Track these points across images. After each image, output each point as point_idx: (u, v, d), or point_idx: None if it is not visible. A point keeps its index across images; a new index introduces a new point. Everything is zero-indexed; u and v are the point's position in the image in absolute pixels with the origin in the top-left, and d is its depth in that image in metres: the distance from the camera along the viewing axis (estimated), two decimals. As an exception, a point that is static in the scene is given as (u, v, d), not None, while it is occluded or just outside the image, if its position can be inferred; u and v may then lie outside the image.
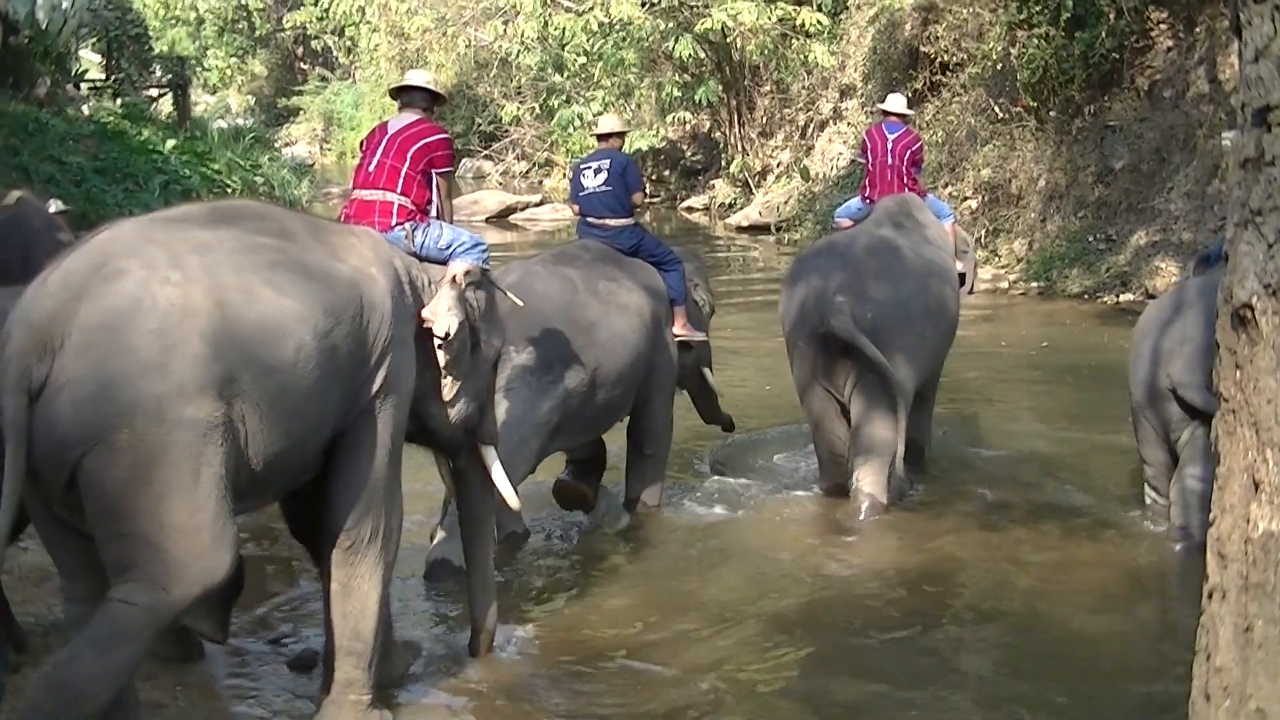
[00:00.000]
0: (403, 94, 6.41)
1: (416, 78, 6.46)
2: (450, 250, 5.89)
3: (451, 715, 5.61)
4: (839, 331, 7.88)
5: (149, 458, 4.34)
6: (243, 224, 4.89)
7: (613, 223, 8.14)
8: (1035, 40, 16.88)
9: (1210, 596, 2.84)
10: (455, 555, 6.62)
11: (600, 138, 8.52)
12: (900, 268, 8.27)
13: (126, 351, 4.32)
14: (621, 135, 8.58)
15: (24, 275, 7.75)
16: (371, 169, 6.07)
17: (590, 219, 8.21)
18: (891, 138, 9.35)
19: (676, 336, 8.19)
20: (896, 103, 9.70)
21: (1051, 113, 17.11)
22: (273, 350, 4.62)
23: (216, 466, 4.45)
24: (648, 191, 8.36)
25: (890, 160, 9.27)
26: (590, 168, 8.18)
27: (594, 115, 25.71)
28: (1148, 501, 7.65)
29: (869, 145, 9.47)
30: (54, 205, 10.23)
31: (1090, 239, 16.05)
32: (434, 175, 6.13)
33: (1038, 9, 16.77)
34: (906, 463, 8.18)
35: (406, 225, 5.91)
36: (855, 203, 9.53)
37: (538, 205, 26.55)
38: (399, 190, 5.99)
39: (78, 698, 4.36)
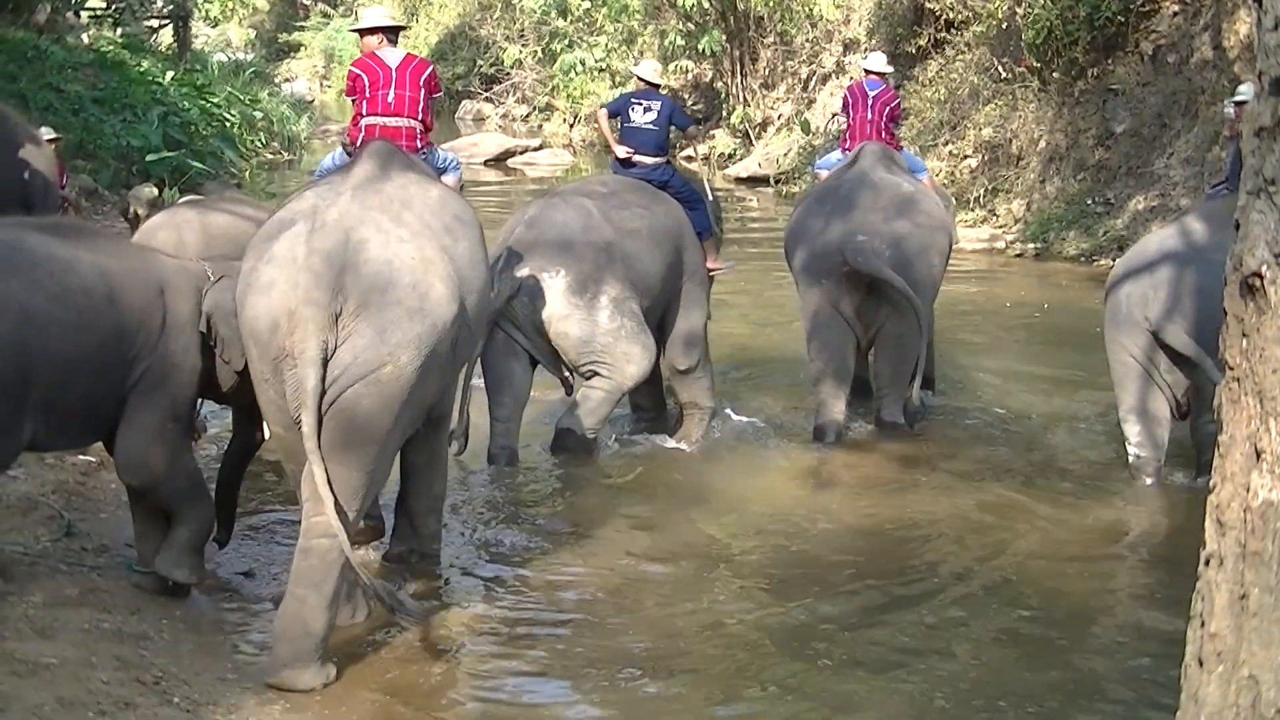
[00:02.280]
0: (374, 30, 7.25)
1: (381, 18, 7.33)
2: (444, 169, 7.05)
3: (426, 656, 5.60)
4: (865, 270, 8.30)
5: (402, 386, 5.15)
6: (393, 166, 5.70)
7: (649, 160, 8.79)
8: (1041, 1, 16.80)
9: (1207, 563, 2.85)
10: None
11: (644, 81, 9.01)
12: (904, 203, 8.69)
13: (394, 304, 5.13)
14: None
15: (23, 203, 7.72)
16: (391, 99, 6.99)
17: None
18: (872, 94, 9.69)
19: (710, 270, 8.78)
20: (877, 61, 10.11)
21: (1055, 74, 17.02)
22: (476, 277, 5.64)
23: (433, 386, 5.47)
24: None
25: (870, 116, 9.61)
26: (641, 105, 8.82)
27: (598, 60, 25.67)
28: (1130, 459, 7.73)
29: (850, 101, 9.82)
30: (45, 133, 10.18)
31: (1089, 202, 16.02)
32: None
33: (1045, -31, 16.70)
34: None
35: (425, 150, 6.93)
36: (835, 155, 9.87)
37: (536, 150, 26.45)
38: (420, 118, 7.04)
39: (309, 631, 5.09)
